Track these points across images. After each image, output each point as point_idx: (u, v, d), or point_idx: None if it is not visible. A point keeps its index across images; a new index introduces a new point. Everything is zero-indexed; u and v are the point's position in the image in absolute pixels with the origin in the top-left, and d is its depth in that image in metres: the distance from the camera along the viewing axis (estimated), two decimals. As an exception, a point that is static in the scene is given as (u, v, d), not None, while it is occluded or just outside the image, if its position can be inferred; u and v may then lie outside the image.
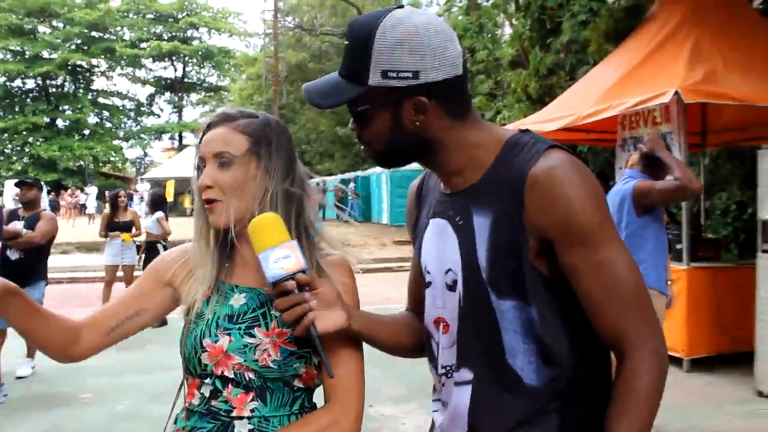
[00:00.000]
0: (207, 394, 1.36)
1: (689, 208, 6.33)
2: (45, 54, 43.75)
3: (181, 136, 49.46)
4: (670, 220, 6.55)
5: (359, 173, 26.91)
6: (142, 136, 48.96)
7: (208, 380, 1.36)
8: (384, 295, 9.65)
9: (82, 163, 43.16)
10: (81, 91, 46.52)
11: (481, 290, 1.24)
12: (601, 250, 1.16)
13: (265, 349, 1.33)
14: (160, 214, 8.45)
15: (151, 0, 47.57)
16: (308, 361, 1.36)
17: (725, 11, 6.84)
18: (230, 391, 1.34)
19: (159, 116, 50.60)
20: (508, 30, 17.76)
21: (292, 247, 1.26)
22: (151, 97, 50.68)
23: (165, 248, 7.83)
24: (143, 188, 34.59)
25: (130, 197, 12.41)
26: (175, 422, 1.44)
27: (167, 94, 50.65)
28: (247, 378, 1.33)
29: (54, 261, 7.96)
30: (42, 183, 6.80)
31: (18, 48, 42.82)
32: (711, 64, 6.05)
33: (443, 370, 1.34)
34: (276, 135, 1.40)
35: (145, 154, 53.17)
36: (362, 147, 1.30)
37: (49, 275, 6.35)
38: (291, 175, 1.40)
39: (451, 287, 1.30)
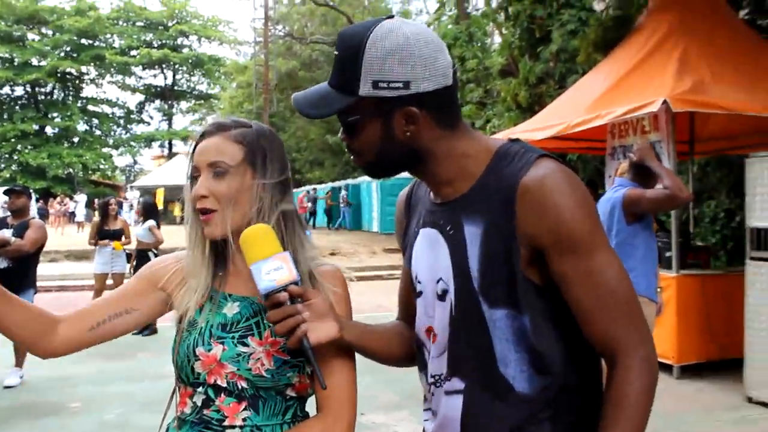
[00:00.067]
0: (199, 403, 1.35)
1: (678, 216, 6.37)
2: (34, 61, 43.43)
3: (170, 144, 49.22)
4: (659, 227, 6.60)
5: (349, 181, 26.91)
6: (132, 143, 48.67)
7: (200, 389, 1.35)
8: (374, 303, 9.65)
9: (71, 170, 42.86)
10: (70, 98, 46.20)
11: (472, 299, 1.24)
12: (592, 257, 1.17)
13: (259, 358, 1.33)
14: (152, 222, 8.38)
15: (141, 8, 47.42)
16: (301, 370, 1.36)
17: (712, 21, 6.91)
18: (223, 400, 1.33)
19: (149, 124, 50.41)
20: (497, 39, 17.83)
21: (284, 259, 1.26)
22: (140, 105, 50.45)
23: (156, 256, 7.79)
24: (133, 196, 34.37)
25: (120, 205, 12.33)
26: (167, 431, 1.43)
27: (157, 102, 50.42)
28: (240, 387, 1.33)
29: (43, 269, 7.91)
30: (31, 191, 6.77)
31: (7, 55, 42.50)
32: (699, 73, 6.11)
33: (432, 379, 1.34)
34: (270, 144, 1.40)
35: (135, 162, 52.91)
36: (352, 157, 1.30)
37: (38, 283, 6.32)
38: (284, 185, 1.41)
39: (441, 297, 1.30)
